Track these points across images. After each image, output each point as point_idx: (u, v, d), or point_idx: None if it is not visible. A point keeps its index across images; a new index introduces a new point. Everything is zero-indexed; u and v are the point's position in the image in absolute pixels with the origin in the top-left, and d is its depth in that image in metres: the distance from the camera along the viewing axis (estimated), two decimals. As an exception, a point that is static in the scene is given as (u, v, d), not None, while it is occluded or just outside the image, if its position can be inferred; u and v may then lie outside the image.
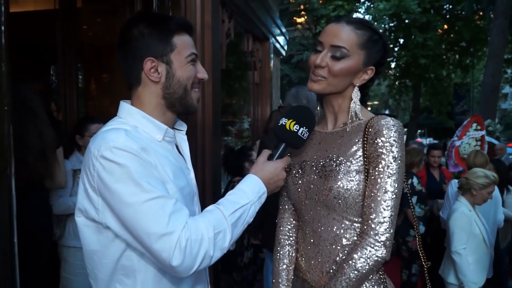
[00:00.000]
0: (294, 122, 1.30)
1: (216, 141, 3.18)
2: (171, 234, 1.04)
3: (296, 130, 1.30)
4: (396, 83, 18.05)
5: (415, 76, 16.10)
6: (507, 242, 4.53)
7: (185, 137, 1.38)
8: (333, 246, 1.33)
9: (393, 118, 1.29)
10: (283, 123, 1.31)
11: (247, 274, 3.02)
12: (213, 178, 2.89)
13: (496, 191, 3.79)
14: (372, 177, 1.26)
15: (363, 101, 1.43)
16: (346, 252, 1.31)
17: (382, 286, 1.32)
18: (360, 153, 1.30)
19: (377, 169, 1.25)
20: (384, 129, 1.26)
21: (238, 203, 1.18)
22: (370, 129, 1.28)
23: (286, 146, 1.33)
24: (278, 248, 1.50)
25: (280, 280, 1.47)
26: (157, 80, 1.21)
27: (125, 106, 1.26)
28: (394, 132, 1.25)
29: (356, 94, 1.35)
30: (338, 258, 1.32)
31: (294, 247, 1.49)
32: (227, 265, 3.10)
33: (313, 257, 1.37)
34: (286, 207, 1.53)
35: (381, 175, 1.24)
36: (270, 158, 1.31)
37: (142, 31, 1.19)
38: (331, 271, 1.32)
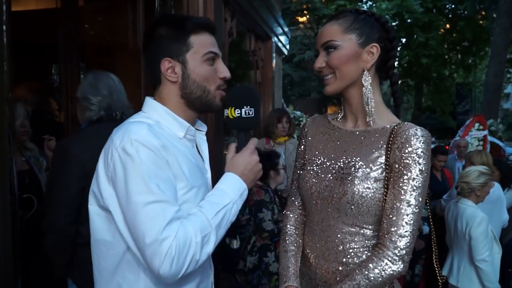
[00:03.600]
0: (233, 108, 1.30)
1: (218, 141, 3.17)
2: (163, 240, 1.05)
3: (238, 115, 1.30)
4: (398, 82, 18.03)
5: (417, 75, 16.11)
6: (510, 237, 4.49)
7: (205, 138, 1.40)
8: (340, 248, 1.31)
9: (422, 128, 1.24)
10: (226, 114, 1.31)
11: (252, 279, 2.97)
12: (216, 179, 2.87)
13: (500, 192, 3.76)
14: (396, 189, 1.21)
15: (395, 100, 1.42)
16: (353, 254, 1.30)
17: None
18: (381, 160, 1.26)
19: (401, 180, 1.21)
20: (412, 139, 1.21)
21: (220, 203, 1.19)
22: (397, 137, 1.24)
23: (245, 133, 1.32)
24: (286, 237, 1.49)
25: (289, 265, 1.43)
26: (174, 80, 1.23)
27: (149, 101, 1.27)
28: (423, 143, 1.21)
29: (366, 78, 1.31)
30: (344, 259, 1.30)
31: (301, 238, 1.48)
32: (229, 267, 3.06)
33: (321, 256, 1.36)
34: (293, 198, 1.53)
35: (406, 187, 1.20)
36: (238, 150, 1.32)
37: (160, 33, 1.22)
38: (337, 271, 1.31)
